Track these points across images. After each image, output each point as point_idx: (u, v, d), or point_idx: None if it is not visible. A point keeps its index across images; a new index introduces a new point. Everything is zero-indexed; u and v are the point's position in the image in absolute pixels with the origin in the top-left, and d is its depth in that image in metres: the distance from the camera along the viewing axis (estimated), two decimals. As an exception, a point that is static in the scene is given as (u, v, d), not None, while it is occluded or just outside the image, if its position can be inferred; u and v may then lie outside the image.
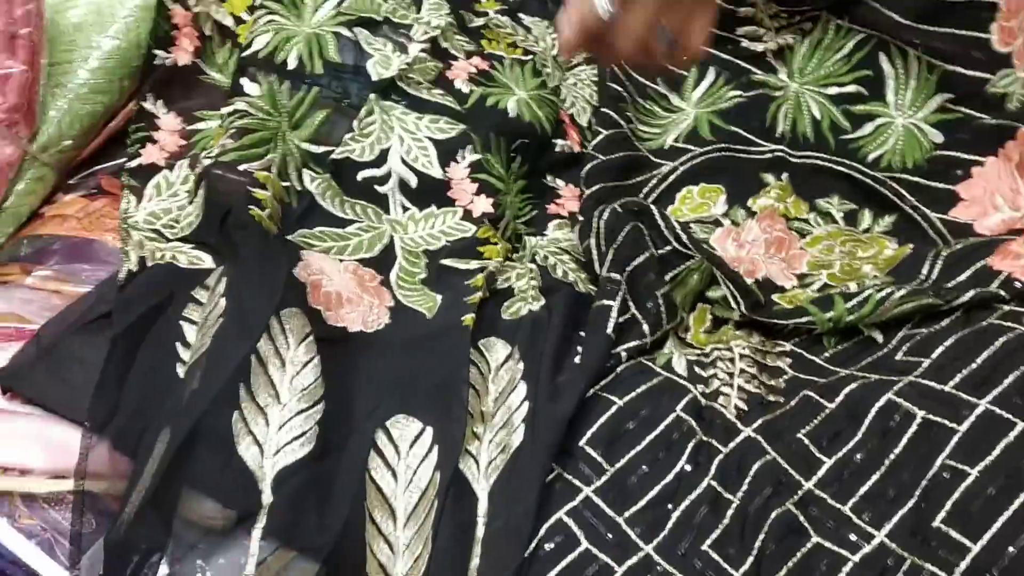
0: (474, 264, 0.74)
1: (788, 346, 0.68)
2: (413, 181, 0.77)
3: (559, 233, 0.80)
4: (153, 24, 0.81)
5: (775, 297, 0.72)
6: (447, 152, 0.79)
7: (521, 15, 0.95)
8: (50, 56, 0.75)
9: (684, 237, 0.72)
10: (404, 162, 0.78)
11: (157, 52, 0.82)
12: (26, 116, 0.72)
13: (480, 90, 0.83)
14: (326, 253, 0.72)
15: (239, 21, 0.85)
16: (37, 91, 0.73)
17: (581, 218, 0.77)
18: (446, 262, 0.74)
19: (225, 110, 0.77)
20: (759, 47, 0.86)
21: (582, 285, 0.73)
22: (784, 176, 0.83)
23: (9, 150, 0.72)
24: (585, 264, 0.75)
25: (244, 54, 0.80)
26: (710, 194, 0.82)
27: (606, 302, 0.67)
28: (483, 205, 0.77)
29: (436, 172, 0.77)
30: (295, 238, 0.72)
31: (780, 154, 0.83)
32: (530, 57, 0.89)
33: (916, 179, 0.79)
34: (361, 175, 0.76)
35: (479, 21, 0.91)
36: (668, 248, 0.72)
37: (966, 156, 0.78)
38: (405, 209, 0.77)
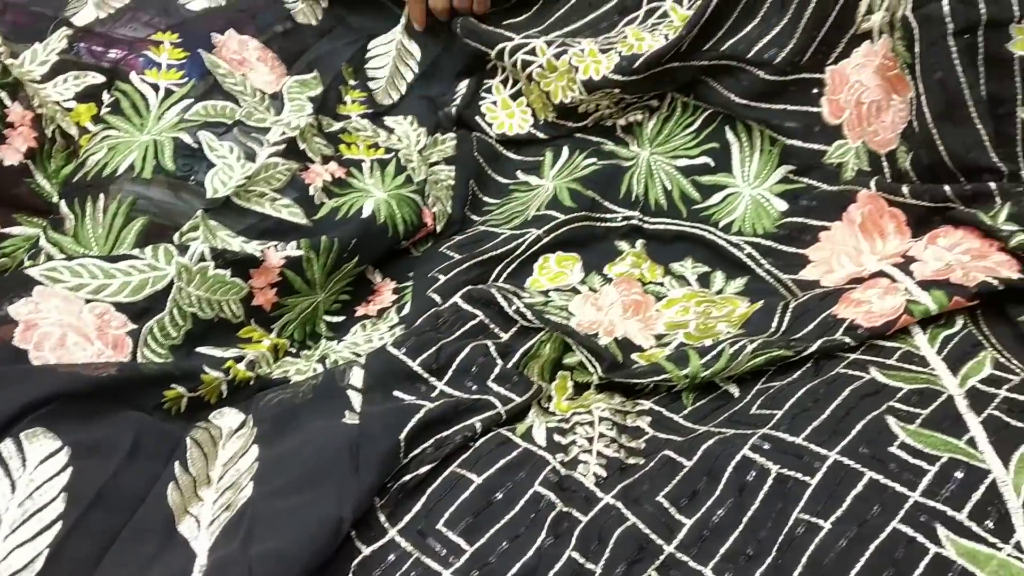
0: (232, 352, 0.71)
1: (648, 404, 0.68)
2: (229, 253, 0.73)
3: (360, 336, 0.77)
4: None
5: (634, 356, 0.73)
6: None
7: (386, 118, 0.93)
8: None
9: (529, 315, 0.72)
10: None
11: None
12: None
13: (332, 203, 0.80)
14: (75, 291, 0.65)
15: (83, 131, 0.79)
16: None
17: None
18: (202, 350, 0.70)
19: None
20: (608, 122, 0.89)
21: None
22: (639, 243, 0.84)
23: None
24: None
25: (75, 176, 0.75)
26: (566, 262, 0.83)
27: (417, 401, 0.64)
28: (266, 300, 0.74)
29: (254, 250, 0.74)
30: (39, 271, 0.64)
31: (635, 222, 0.86)
32: (391, 155, 0.87)
33: (769, 243, 0.82)
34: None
35: (337, 125, 0.89)
36: (515, 328, 0.72)
37: (813, 222, 0.81)
38: (202, 260, 0.71)
